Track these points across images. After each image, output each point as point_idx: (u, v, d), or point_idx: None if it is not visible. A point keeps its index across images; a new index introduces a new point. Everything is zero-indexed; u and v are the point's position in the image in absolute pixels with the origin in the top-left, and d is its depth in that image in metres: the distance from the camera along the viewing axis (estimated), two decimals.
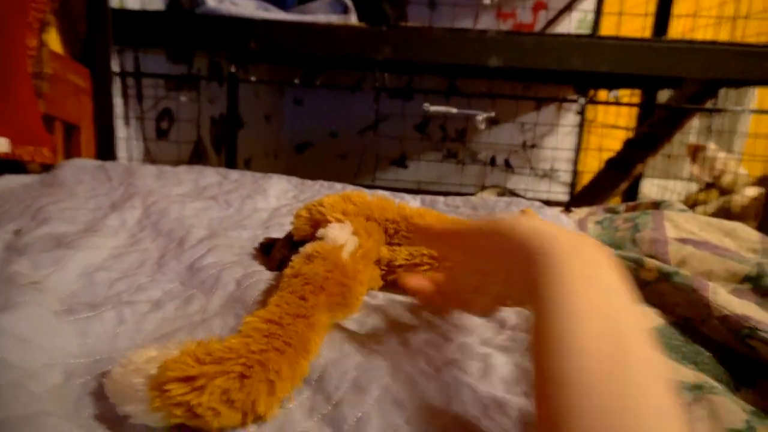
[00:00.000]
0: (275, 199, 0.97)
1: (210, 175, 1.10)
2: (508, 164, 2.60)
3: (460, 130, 2.62)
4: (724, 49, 1.15)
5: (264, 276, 0.60)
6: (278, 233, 0.79)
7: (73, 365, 0.43)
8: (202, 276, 0.61)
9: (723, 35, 1.40)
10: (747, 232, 0.78)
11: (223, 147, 2.10)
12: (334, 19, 1.31)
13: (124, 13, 1.29)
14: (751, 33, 1.37)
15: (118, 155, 1.34)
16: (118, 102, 1.36)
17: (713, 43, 1.16)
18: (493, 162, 2.61)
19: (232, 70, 1.36)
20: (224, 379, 0.36)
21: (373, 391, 0.41)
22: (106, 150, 1.28)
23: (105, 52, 1.25)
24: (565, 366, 0.30)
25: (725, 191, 1.72)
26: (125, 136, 1.39)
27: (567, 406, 0.28)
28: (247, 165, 2.39)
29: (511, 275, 0.40)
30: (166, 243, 0.71)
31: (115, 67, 1.32)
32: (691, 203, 1.77)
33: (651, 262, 0.66)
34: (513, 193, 2.04)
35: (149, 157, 1.53)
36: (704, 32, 1.47)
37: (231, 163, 2.10)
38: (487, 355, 0.48)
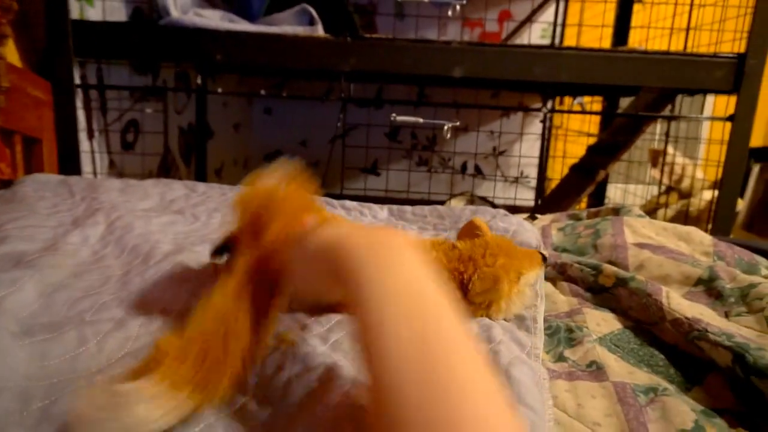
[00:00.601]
0: None
1: (177, 189, 1.09)
2: (478, 171, 2.64)
3: (431, 137, 2.64)
4: (677, 59, 1.19)
5: None
6: None
7: (30, 388, 0.42)
8: None
9: (677, 45, 1.45)
10: (700, 236, 0.82)
11: (192, 158, 2.08)
12: (300, 30, 1.32)
13: (85, 25, 1.27)
14: (702, 43, 1.42)
15: (83, 169, 1.32)
16: (80, 115, 1.34)
17: (667, 53, 1.21)
18: (464, 169, 2.65)
19: (198, 82, 1.35)
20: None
21: (333, 398, 0.42)
22: (68, 164, 1.26)
23: (66, 65, 1.23)
24: (380, 367, 0.30)
25: (684, 195, 1.79)
26: (89, 150, 1.36)
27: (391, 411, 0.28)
28: (218, 175, 2.37)
29: (320, 285, 0.43)
30: (130, 259, 0.70)
31: (77, 79, 1.30)
32: (653, 207, 1.83)
33: (609, 269, 0.68)
34: (483, 200, 2.07)
35: (115, 170, 1.50)
36: (660, 42, 1.52)
37: (201, 174, 2.08)
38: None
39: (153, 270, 0.65)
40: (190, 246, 0.74)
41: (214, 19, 1.34)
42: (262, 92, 1.35)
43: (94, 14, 1.36)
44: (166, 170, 1.81)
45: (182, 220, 0.88)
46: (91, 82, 1.36)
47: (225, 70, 1.93)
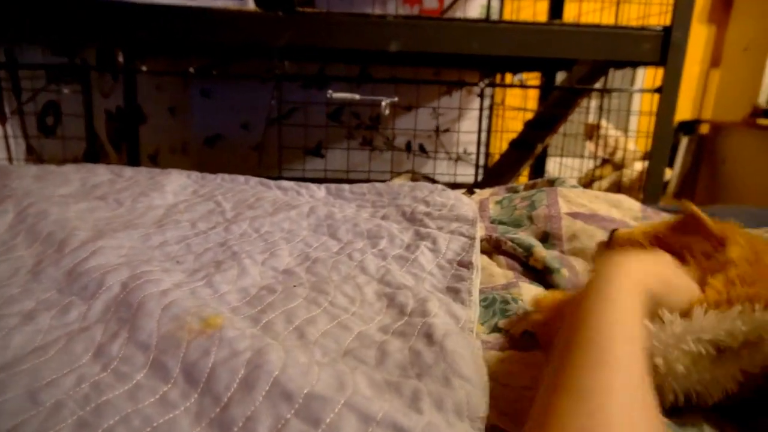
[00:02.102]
0: (173, 196, 0.92)
1: (101, 174, 1.02)
2: (422, 149, 2.64)
3: (374, 116, 2.62)
4: (607, 32, 1.22)
5: (155, 276, 0.56)
6: (174, 230, 0.74)
7: None
8: (83, 281, 0.56)
9: (608, 20, 1.48)
10: (630, 202, 0.84)
11: (123, 143, 1.97)
12: (230, 4, 1.26)
13: None
14: (633, 17, 1.46)
15: None
16: None
17: (598, 26, 1.23)
18: (408, 147, 2.64)
19: (121, 60, 1.27)
20: None
21: (261, 386, 0.40)
22: None
23: None
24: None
25: (618, 166, 1.85)
26: (2, 135, 1.26)
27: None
28: (153, 161, 2.26)
29: None
30: (43, 249, 0.65)
31: None
32: (589, 179, 1.88)
33: (539, 253, 0.69)
34: (426, 177, 2.07)
35: (34, 157, 1.40)
36: (593, 17, 1.55)
37: (134, 160, 1.98)
38: (385, 342, 0.48)
39: (68, 259, 0.60)
40: (112, 232, 0.70)
41: None
42: (191, 70, 1.28)
43: None
44: (94, 157, 1.71)
45: (104, 206, 0.82)
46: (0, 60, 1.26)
47: (155, 50, 1.83)
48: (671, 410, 0.41)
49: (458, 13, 2.19)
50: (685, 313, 0.42)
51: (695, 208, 0.58)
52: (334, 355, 0.47)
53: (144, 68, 1.35)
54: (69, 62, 1.47)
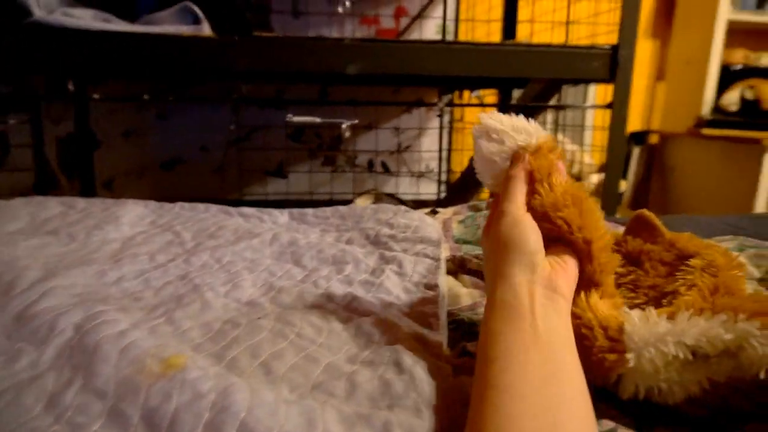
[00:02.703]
0: (129, 227, 0.89)
1: (52, 207, 0.99)
2: (385, 168, 2.65)
3: (335, 136, 2.62)
4: (558, 51, 1.26)
5: (111, 316, 0.54)
6: (131, 265, 0.72)
7: None
8: (33, 325, 0.53)
9: (559, 38, 1.53)
10: None
11: (76, 171, 1.90)
12: (184, 29, 1.24)
13: None
14: (582, 36, 1.52)
15: None
16: None
17: (549, 45, 1.27)
18: (371, 166, 2.65)
19: (71, 88, 1.23)
20: None
21: (228, 430, 0.38)
22: None
23: None
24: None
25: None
26: None
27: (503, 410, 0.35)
28: (108, 188, 2.19)
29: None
30: None
31: None
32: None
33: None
34: (389, 196, 2.08)
35: None
36: (545, 36, 1.61)
37: (88, 188, 1.91)
38: (354, 373, 0.47)
39: (17, 301, 0.57)
40: (64, 270, 0.67)
41: (85, 18, 1.23)
42: (146, 97, 1.25)
43: None
44: (45, 187, 1.64)
45: (56, 242, 0.79)
46: None
47: (107, 74, 1.79)
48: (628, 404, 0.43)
49: (414, 34, 2.22)
50: (669, 315, 0.43)
51: (648, 213, 0.61)
52: (303, 389, 0.46)
53: (96, 96, 1.32)
54: (15, 91, 1.41)
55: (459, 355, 0.54)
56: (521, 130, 0.50)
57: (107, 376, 0.45)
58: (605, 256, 0.47)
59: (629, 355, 0.41)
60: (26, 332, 0.52)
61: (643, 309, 0.46)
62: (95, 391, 0.44)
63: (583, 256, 0.47)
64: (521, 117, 0.52)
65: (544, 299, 0.41)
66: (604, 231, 0.48)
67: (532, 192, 0.48)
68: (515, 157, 0.50)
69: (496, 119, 0.51)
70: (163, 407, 0.41)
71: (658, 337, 0.41)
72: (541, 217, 0.46)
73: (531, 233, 0.44)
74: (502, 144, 0.50)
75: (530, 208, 0.47)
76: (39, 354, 0.49)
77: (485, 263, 0.49)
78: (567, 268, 0.45)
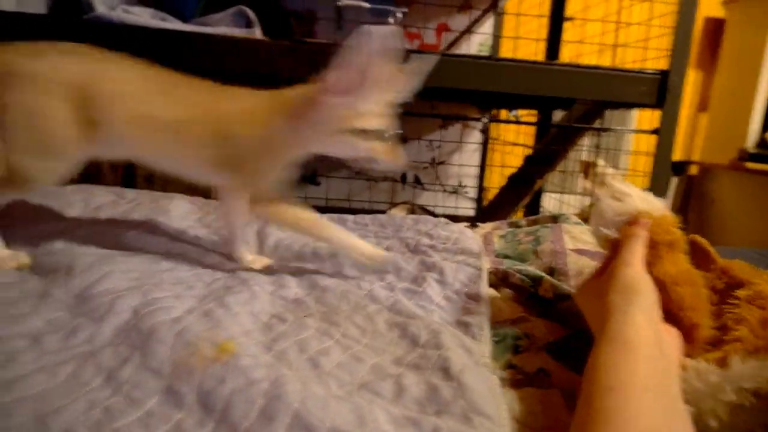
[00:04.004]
0: (179, 220, 0.91)
1: (102, 195, 1.02)
2: (417, 181, 2.65)
3: None
4: (606, 73, 1.25)
5: (167, 303, 0.55)
6: (184, 258, 0.74)
7: None
8: (92, 304, 0.55)
9: (605, 61, 1.52)
10: None
11: (120, 165, 1.96)
12: (237, 32, 1.27)
13: None
14: (628, 60, 1.50)
15: None
16: None
17: (597, 67, 1.26)
18: (403, 179, 2.65)
19: None
20: None
21: (282, 418, 0.39)
22: None
23: None
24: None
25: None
26: None
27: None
28: (149, 182, 2.25)
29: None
30: (53, 275, 0.63)
31: None
32: (586, 216, 1.90)
33: (547, 282, 0.69)
34: (423, 209, 2.08)
35: None
36: (589, 58, 1.60)
37: (129, 182, 1.96)
38: (400, 375, 0.48)
39: (78, 281, 0.59)
40: (121, 256, 0.69)
41: (144, 16, 1.27)
42: None
43: (7, 4, 1.25)
44: (90, 177, 1.69)
45: (110, 231, 0.81)
46: None
47: None
48: None
49: (457, 51, 2.23)
50: (720, 362, 0.42)
51: (701, 239, 0.60)
52: (350, 387, 0.46)
53: None
54: None
55: (503, 368, 0.54)
56: (644, 199, 0.55)
57: (163, 357, 0.46)
58: (704, 344, 0.48)
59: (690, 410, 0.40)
60: (86, 310, 0.54)
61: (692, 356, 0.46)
62: (151, 369, 0.45)
63: (685, 334, 0.48)
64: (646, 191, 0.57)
65: (662, 343, 0.42)
66: (709, 319, 0.49)
67: (650, 257, 0.50)
68: (638, 219, 0.53)
69: (622, 182, 0.57)
70: (217, 390, 0.42)
71: (713, 386, 0.41)
72: (658, 284, 0.48)
73: (653, 287, 0.47)
74: (625, 205, 0.55)
75: (650, 272, 0.49)
76: (96, 330, 0.51)
77: (591, 301, 0.50)
78: (674, 336, 0.47)
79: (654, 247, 0.51)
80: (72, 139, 0.63)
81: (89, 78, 0.64)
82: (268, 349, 0.50)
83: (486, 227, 1.03)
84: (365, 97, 0.64)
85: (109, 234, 0.78)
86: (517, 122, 2.07)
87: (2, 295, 0.57)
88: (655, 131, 1.28)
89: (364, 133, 0.66)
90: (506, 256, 0.85)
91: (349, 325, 0.57)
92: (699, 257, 0.60)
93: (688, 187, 2.67)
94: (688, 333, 0.47)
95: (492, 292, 0.74)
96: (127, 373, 0.45)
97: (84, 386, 0.44)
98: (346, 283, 0.69)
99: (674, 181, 2.67)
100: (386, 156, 0.68)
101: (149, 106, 0.66)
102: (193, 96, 0.69)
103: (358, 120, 0.65)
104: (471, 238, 0.88)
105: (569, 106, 1.67)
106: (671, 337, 0.46)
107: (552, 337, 0.58)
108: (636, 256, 0.49)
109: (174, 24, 1.28)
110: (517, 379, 0.51)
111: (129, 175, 1.98)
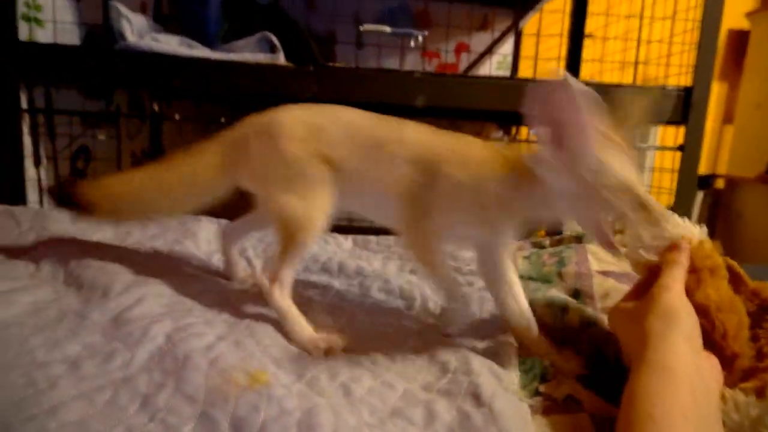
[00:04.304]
0: (206, 244, 0.93)
1: None
2: None
3: None
4: (629, 91, 1.24)
5: (198, 329, 0.56)
6: (212, 282, 0.75)
7: None
8: (127, 329, 0.56)
9: (627, 78, 1.52)
10: None
11: None
12: (261, 58, 1.30)
13: (34, 47, 1.21)
14: (650, 77, 1.50)
15: (28, 198, 1.24)
16: (26, 140, 1.27)
17: (619, 85, 1.26)
18: None
19: (155, 108, 1.31)
20: None
21: None
22: (13, 193, 1.19)
23: (12, 88, 1.17)
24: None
25: None
26: (35, 177, 1.29)
27: None
28: None
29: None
30: (89, 294, 0.65)
31: (23, 103, 1.23)
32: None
33: (574, 310, 0.67)
34: None
35: None
36: (610, 76, 1.60)
37: None
38: (431, 401, 0.48)
39: (114, 303, 0.61)
40: (153, 279, 0.70)
41: (172, 44, 1.31)
42: (223, 120, 1.32)
43: (44, 36, 1.30)
44: None
45: (140, 254, 0.83)
46: (39, 105, 1.30)
47: (181, 95, 1.89)
48: None
49: (477, 71, 2.25)
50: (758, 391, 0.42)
51: (731, 261, 0.59)
52: (381, 414, 0.46)
53: (177, 116, 1.40)
54: (106, 107, 1.51)
55: (531, 395, 0.54)
56: (682, 225, 0.54)
57: (197, 384, 0.47)
58: (742, 373, 0.48)
59: None
60: (121, 334, 0.55)
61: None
62: (186, 396, 0.46)
63: (725, 364, 0.47)
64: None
65: (702, 372, 0.42)
66: (749, 349, 0.49)
67: (691, 282, 0.50)
68: (678, 245, 0.52)
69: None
70: (251, 417, 0.43)
71: (754, 420, 0.40)
72: (700, 310, 0.47)
73: (693, 313, 0.46)
74: (663, 230, 0.53)
75: (691, 298, 0.48)
76: (131, 355, 0.52)
77: (627, 326, 0.50)
78: (714, 364, 0.46)
79: (695, 273, 0.50)
80: (320, 174, 0.64)
81: (319, 120, 0.67)
82: (300, 376, 0.51)
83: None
84: (586, 152, 0.53)
85: (140, 256, 0.80)
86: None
87: (42, 316, 0.59)
88: (680, 147, 1.27)
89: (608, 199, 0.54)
90: (530, 278, 0.85)
91: (378, 353, 0.57)
92: (730, 279, 0.59)
93: (714, 201, 2.62)
94: (728, 362, 0.47)
95: None
96: (163, 399, 0.46)
97: (121, 412, 0.45)
98: (375, 310, 0.69)
99: (699, 195, 2.63)
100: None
101: (368, 146, 0.66)
102: (413, 134, 0.67)
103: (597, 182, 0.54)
104: None
105: None
106: (711, 365, 0.45)
107: (580, 371, 0.57)
108: (677, 281, 0.49)
109: (201, 51, 1.32)
110: (546, 406, 0.51)
111: None
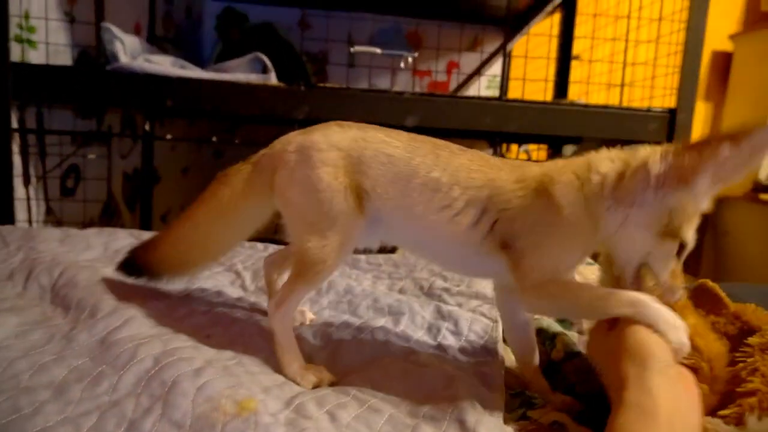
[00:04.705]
0: None
1: (122, 238, 1.04)
2: None
3: None
4: (614, 113, 1.27)
5: (187, 353, 0.56)
6: (200, 301, 0.75)
7: None
8: (115, 351, 0.56)
9: (613, 100, 1.54)
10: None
11: (137, 204, 2.00)
12: (254, 78, 1.32)
13: (26, 68, 1.22)
14: (635, 98, 1.53)
15: (16, 217, 1.24)
16: (17, 160, 1.27)
17: (606, 107, 1.29)
18: None
19: (147, 128, 1.32)
20: None
21: None
22: (2, 213, 1.18)
23: (3, 109, 1.18)
24: None
25: None
26: (24, 197, 1.29)
27: None
28: (164, 221, 2.28)
29: None
30: (76, 315, 0.65)
31: (14, 122, 1.24)
32: (597, 252, 1.89)
33: (560, 342, 0.66)
34: None
35: (52, 219, 1.42)
36: (597, 96, 1.62)
37: (146, 221, 2.00)
38: (416, 427, 0.48)
39: (101, 325, 0.61)
40: (141, 300, 0.70)
41: (165, 64, 1.32)
42: (214, 139, 1.33)
43: (36, 57, 1.31)
44: (108, 217, 1.73)
45: None
46: (30, 125, 1.30)
47: (174, 114, 1.90)
48: None
49: (466, 90, 2.27)
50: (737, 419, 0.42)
51: (711, 284, 0.60)
52: None
53: (169, 136, 1.40)
54: (97, 127, 1.52)
55: (517, 419, 0.54)
56: None
57: (185, 410, 0.47)
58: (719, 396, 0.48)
59: None
60: (109, 357, 0.55)
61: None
62: (173, 422, 0.46)
63: (706, 384, 0.47)
64: None
65: (682, 407, 0.42)
66: (725, 373, 0.49)
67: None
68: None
69: None
70: None
71: None
72: None
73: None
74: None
75: None
76: (118, 379, 0.52)
77: (604, 358, 0.50)
78: (691, 387, 0.45)
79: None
80: (347, 211, 0.59)
81: (355, 144, 0.61)
82: (288, 403, 0.51)
83: None
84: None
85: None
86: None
87: (29, 338, 0.59)
88: None
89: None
90: None
91: (365, 382, 0.57)
92: (709, 302, 0.60)
93: (702, 219, 2.65)
94: (708, 383, 0.47)
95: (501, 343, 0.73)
96: (149, 424, 0.46)
97: None
98: (360, 332, 0.69)
99: None
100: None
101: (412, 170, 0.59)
102: (467, 162, 0.60)
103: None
104: (485, 281, 0.88)
105: (580, 141, 1.69)
106: (689, 395, 0.45)
107: (574, 407, 0.57)
108: None
109: (194, 71, 1.33)
110: (531, 430, 0.51)
111: (146, 213, 2.02)
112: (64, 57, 1.38)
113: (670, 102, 1.32)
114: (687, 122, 1.27)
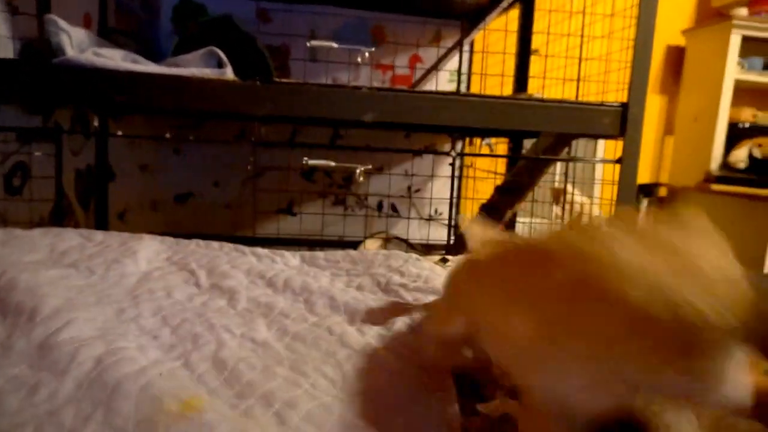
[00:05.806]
0: (146, 263, 0.91)
1: (70, 238, 1.01)
2: (394, 210, 2.67)
3: (346, 177, 2.65)
4: (569, 107, 1.29)
5: (131, 353, 0.55)
6: (149, 302, 0.73)
7: None
8: (55, 356, 0.54)
9: (569, 93, 1.57)
10: None
11: (91, 202, 1.94)
12: (208, 72, 1.29)
13: None
14: (591, 92, 1.56)
15: None
16: None
17: (561, 101, 1.30)
18: (380, 207, 2.67)
19: (96, 124, 1.27)
20: None
21: None
22: None
23: None
24: None
25: None
26: None
27: None
28: (122, 219, 2.22)
29: None
30: (14, 320, 0.63)
31: None
32: None
33: None
34: (398, 239, 2.10)
35: None
36: (555, 90, 1.65)
37: (102, 219, 1.95)
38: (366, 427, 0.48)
39: (41, 329, 0.59)
40: (85, 304, 0.68)
41: (115, 59, 1.28)
42: (167, 136, 1.30)
43: None
44: (60, 216, 1.67)
45: (75, 274, 0.80)
46: None
47: (129, 110, 1.84)
48: None
49: (427, 84, 2.29)
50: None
51: None
52: None
53: (120, 132, 1.36)
54: (43, 123, 1.46)
55: (469, 415, 0.54)
56: None
57: (127, 414, 0.45)
58: None
59: None
60: (48, 362, 0.53)
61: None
62: (115, 429, 0.44)
63: None
64: None
65: None
66: None
67: None
68: None
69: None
70: None
71: None
72: None
73: None
74: None
75: None
76: (58, 385, 0.50)
77: None
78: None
79: None
80: None
81: None
82: (235, 407, 0.50)
83: (457, 260, 1.05)
84: None
85: (74, 278, 0.77)
86: (486, 155, 2.12)
87: None
88: (618, 161, 1.32)
89: None
90: None
91: (318, 375, 0.56)
92: None
93: (658, 209, 2.74)
94: None
95: None
96: None
97: None
98: (318, 327, 0.69)
99: (644, 203, 2.74)
100: None
101: None
102: None
103: None
104: (441, 276, 0.89)
105: (537, 135, 1.71)
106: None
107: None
108: None
109: (145, 66, 1.29)
110: (481, 425, 0.51)
111: (101, 212, 1.96)
112: (5, 50, 1.32)
113: (623, 96, 1.35)
114: (639, 116, 1.30)
